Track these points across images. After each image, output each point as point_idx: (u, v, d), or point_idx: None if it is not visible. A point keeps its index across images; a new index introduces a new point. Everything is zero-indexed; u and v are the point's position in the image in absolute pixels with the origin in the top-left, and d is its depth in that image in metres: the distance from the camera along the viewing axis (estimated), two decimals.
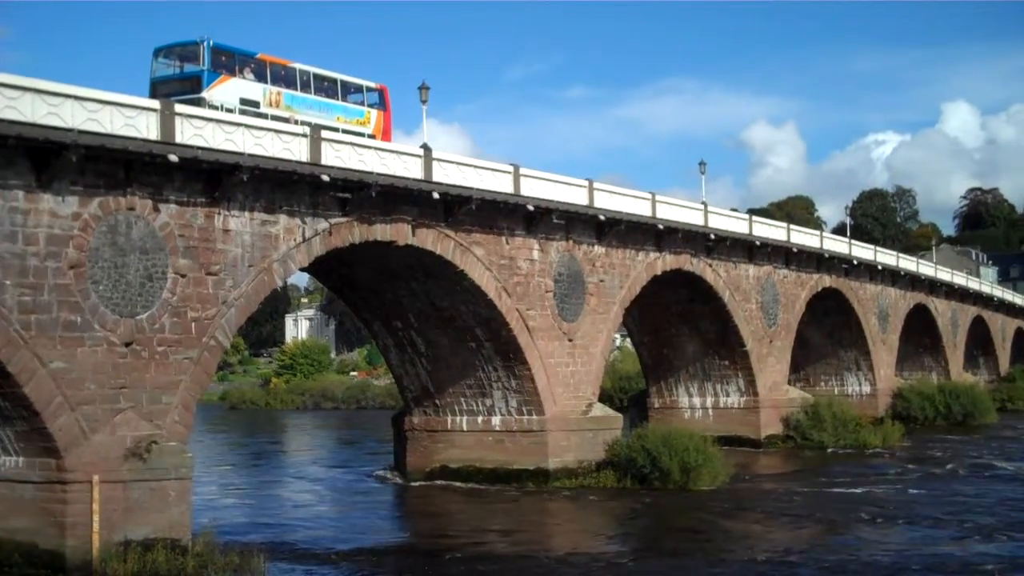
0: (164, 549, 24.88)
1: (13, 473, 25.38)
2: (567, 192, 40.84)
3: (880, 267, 69.22)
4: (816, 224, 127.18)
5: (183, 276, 27.50)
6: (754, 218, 57.55)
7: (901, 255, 77.35)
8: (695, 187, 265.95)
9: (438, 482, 40.87)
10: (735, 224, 53.45)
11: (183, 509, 26.22)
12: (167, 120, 26.66)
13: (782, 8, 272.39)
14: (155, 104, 26.95)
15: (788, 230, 58.85)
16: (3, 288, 23.83)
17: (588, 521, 34.50)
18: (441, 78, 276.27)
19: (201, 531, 26.56)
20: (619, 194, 44.34)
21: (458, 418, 41.35)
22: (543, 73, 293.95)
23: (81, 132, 24.56)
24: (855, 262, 65.06)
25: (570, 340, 41.19)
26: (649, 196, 46.30)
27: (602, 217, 42.24)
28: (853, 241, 68.66)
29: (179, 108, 27.35)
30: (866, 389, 68.08)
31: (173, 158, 26.50)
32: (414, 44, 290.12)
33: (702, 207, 50.53)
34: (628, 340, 77.82)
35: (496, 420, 40.58)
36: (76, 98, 24.81)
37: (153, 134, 26.30)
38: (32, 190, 24.45)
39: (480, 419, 40.92)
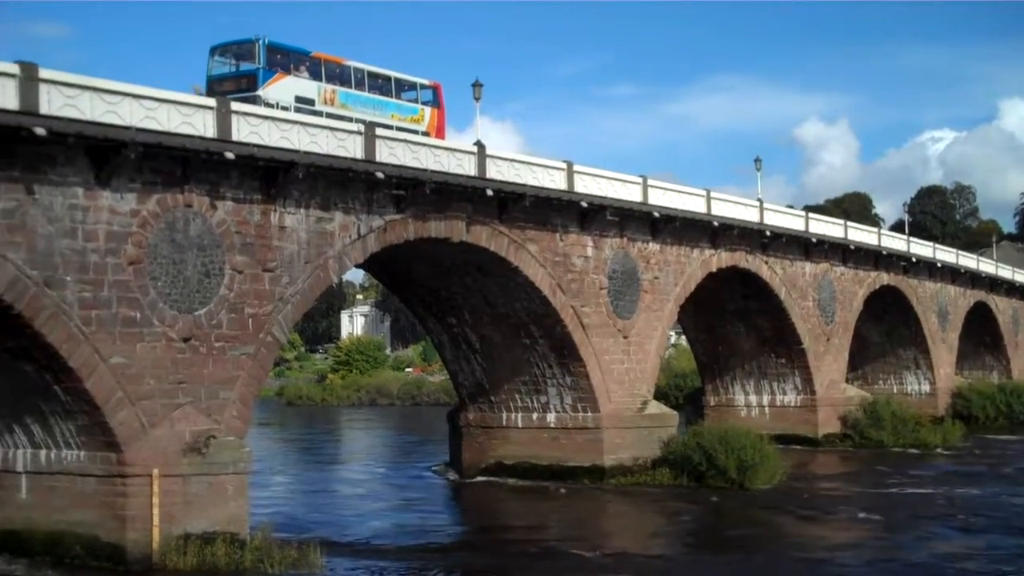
0: (223, 543, 25.13)
1: (75, 467, 25.75)
2: (621, 189, 40.68)
3: (939, 264, 68.20)
4: (873, 221, 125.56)
5: (240, 272, 27.72)
6: (810, 215, 57.03)
7: (961, 252, 76.17)
8: (746, 184, 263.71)
9: (493, 478, 40.90)
10: (791, 221, 52.98)
11: (241, 503, 26.44)
12: (223, 118, 26.85)
13: (834, 3, 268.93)
14: (211, 102, 27.16)
15: (845, 227, 58.19)
16: (64, 284, 24.16)
17: (644, 519, 34.36)
18: (491, 76, 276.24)
19: (259, 525, 26.76)
20: (673, 191, 44.04)
21: (513, 414, 41.34)
22: (591, 71, 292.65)
23: (139, 130, 24.75)
24: (914, 259, 64.22)
25: (625, 337, 41.04)
26: (704, 193, 46.01)
27: (656, 214, 42.00)
28: (912, 238, 67.82)
29: (235, 106, 27.54)
30: (925, 388, 67.14)
31: (229, 155, 26.69)
32: (464, 42, 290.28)
33: (757, 204, 50.13)
34: (683, 337, 77.42)
35: (551, 417, 40.53)
36: (134, 96, 25.03)
37: (210, 132, 26.50)
38: (91, 187, 24.76)
39: (535, 416, 40.87)
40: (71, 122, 23.65)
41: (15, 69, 22.90)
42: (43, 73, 23.36)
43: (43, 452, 26.28)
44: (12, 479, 26.79)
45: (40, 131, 22.98)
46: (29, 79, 23.01)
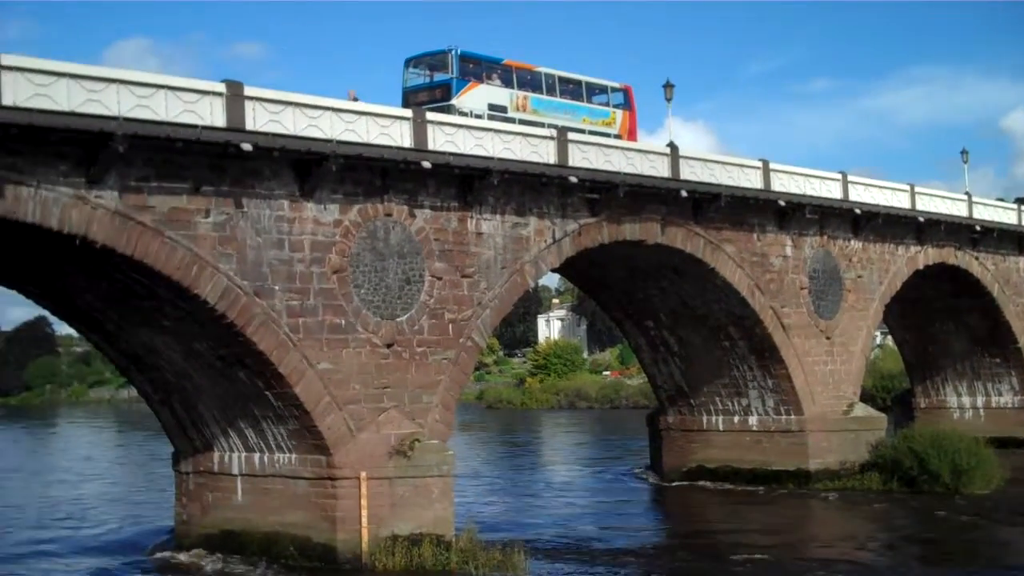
0: (429, 544, 25.60)
1: (287, 470, 26.72)
2: (819, 186, 39.69)
3: None
4: None
5: (439, 279, 28.23)
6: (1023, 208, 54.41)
7: None
8: (951, 178, 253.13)
9: (695, 482, 40.45)
10: (1002, 215, 50.68)
11: (446, 505, 26.88)
12: (419, 128, 27.40)
13: None
14: (408, 113, 27.77)
15: None
16: (273, 293, 25.09)
17: (854, 525, 33.23)
18: (681, 76, 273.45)
19: (464, 527, 27.11)
20: (875, 187, 42.72)
21: (713, 417, 40.81)
22: (783, 67, 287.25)
23: (340, 143, 25.51)
24: None
25: (828, 338, 39.97)
26: (907, 188, 44.45)
27: (858, 211, 40.80)
28: None
29: (430, 116, 28.09)
30: None
31: (426, 165, 27.21)
32: (652, 42, 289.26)
33: (965, 198, 48.12)
34: (889, 337, 74.97)
35: (753, 420, 39.83)
36: (334, 110, 25.80)
37: (407, 142, 27.09)
38: (296, 199, 25.65)
39: (736, 419, 40.26)
40: (275, 137, 24.52)
41: (222, 88, 23.91)
42: (248, 91, 24.31)
43: (257, 455, 27.36)
44: (228, 481, 28.03)
45: (247, 147, 23.89)
46: (235, 97, 23.99)
